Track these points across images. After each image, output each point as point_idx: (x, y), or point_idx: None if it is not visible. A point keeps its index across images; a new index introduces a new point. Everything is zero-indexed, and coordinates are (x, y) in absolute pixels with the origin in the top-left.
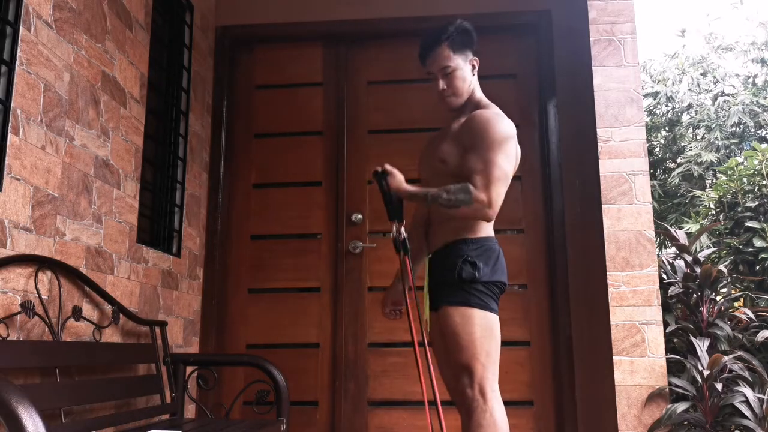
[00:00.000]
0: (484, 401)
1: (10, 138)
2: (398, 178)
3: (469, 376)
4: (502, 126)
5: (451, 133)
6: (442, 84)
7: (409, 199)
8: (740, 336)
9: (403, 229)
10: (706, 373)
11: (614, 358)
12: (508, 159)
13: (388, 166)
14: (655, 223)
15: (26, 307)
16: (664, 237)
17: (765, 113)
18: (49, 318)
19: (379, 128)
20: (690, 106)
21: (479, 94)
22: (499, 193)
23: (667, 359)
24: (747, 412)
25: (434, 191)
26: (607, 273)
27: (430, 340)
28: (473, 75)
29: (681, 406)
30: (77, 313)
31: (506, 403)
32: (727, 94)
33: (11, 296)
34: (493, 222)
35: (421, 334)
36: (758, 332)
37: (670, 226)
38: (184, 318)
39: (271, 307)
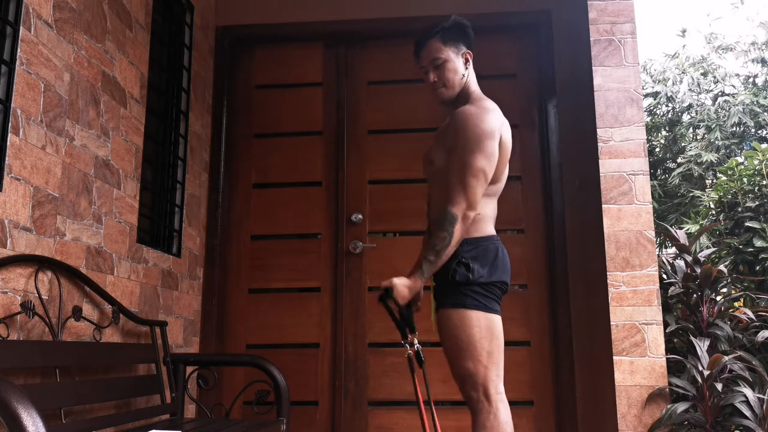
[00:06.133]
0: (488, 403)
1: (10, 138)
2: (401, 285)
3: (472, 378)
4: (480, 123)
5: (439, 132)
6: (432, 76)
7: (421, 280)
8: (740, 336)
9: (416, 341)
10: (706, 373)
11: (614, 358)
12: (485, 156)
13: (385, 282)
14: (655, 223)
15: (26, 307)
16: (664, 237)
17: (765, 113)
18: (49, 318)
19: (378, 128)
20: (690, 106)
21: (473, 88)
22: (476, 192)
23: (667, 359)
24: (747, 412)
25: (423, 252)
26: (607, 273)
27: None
28: (466, 68)
29: (681, 406)
30: (77, 313)
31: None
32: (728, 94)
33: (11, 296)
34: (492, 221)
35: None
36: (758, 332)
37: (670, 226)
38: (184, 318)
39: (271, 307)
